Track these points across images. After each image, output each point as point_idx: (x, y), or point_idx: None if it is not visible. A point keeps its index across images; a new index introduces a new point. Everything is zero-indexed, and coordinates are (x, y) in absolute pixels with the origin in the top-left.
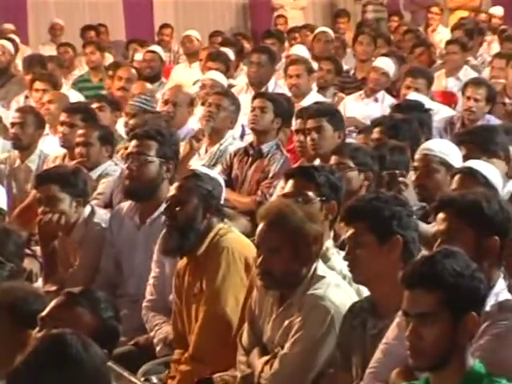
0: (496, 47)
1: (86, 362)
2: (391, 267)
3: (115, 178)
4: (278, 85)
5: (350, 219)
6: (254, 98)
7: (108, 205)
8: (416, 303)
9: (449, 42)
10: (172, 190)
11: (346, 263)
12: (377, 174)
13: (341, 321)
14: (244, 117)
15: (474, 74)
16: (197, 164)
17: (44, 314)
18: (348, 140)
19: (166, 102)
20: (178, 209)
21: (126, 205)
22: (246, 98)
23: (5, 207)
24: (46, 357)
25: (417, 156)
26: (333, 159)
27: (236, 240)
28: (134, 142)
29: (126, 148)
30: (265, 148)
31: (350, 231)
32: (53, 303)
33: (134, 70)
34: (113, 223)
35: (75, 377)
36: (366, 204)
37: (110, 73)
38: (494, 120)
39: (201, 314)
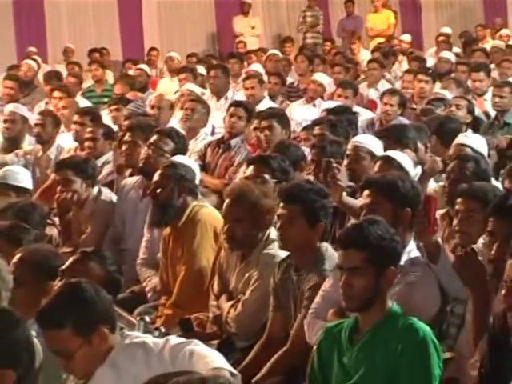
0: (405, 65)
1: (98, 303)
2: (311, 243)
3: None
4: (235, 93)
5: (287, 200)
6: (231, 105)
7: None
8: (348, 260)
9: (370, 61)
10: (155, 176)
11: (277, 234)
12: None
13: (272, 274)
14: (211, 119)
15: (389, 86)
16: None
17: (64, 267)
18: None
19: (152, 107)
20: (159, 191)
21: (132, 180)
22: (211, 104)
23: (31, 187)
24: (67, 298)
25: (349, 147)
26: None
27: (208, 214)
28: (155, 137)
29: (124, 141)
30: (232, 142)
31: (285, 210)
32: (70, 259)
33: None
34: (121, 192)
35: (89, 314)
36: (303, 193)
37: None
38: (404, 121)
39: (182, 272)
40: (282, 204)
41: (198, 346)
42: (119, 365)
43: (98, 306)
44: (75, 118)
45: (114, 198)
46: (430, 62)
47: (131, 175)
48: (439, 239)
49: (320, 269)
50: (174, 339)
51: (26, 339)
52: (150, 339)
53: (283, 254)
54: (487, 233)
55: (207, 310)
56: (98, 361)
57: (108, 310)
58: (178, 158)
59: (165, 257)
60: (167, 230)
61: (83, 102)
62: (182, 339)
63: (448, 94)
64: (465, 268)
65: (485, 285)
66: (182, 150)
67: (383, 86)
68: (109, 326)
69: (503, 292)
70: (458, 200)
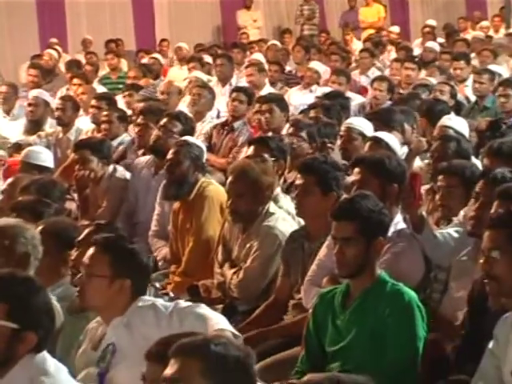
0: (393, 54)
1: (140, 263)
2: (324, 211)
3: (126, 145)
4: (238, 80)
5: (304, 170)
6: (233, 91)
7: (119, 160)
8: (341, 230)
9: (361, 51)
10: (170, 153)
11: (295, 202)
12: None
13: (284, 244)
14: (217, 103)
15: (378, 73)
16: None
17: (80, 238)
18: None
19: (162, 93)
20: (175, 167)
21: (144, 159)
22: (217, 90)
23: (52, 166)
24: (124, 239)
25: (342, 128)
26: (291, 130)
27: (215, 190)
28: (165, 119)
29: (137, 124)
30: (236, 125)
31: (301, 180)
32: (86, 231)
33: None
34: (134, 170)
35: (126, 263)
36: (318, 164)
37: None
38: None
39: (190, 242)
40: (299, 175)
41: (204, 309)
42: (132, 325)
43: (141, 266)
44: (93, 102)
45: (128, 175)
46: (417, 52)
47: (144, 155)
48: (424, 212)
49: None
50: (183, 303)
51: (46, 304)
52: (160, 302)
53: (281, 225)
54: (474, 194)
55: (213, 278)
56: (104, 304)
57: (144, 276)
58: (190, 138)
59: (175, 228)
60: (177, 204)
61: (100, 89)
62: (190, 303)
63: (432, 81)
64: None
65: None
66: (190, 131)
67: (374, 73)
68: (134, 287)
69: (481, 261)
70: (440, 177)
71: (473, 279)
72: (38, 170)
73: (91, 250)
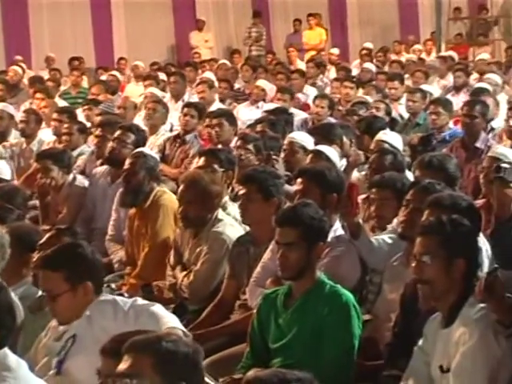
0: (334, 74)
1: (91, 262)
2: (267, 216)
3: (87, 156)
4: (190, 96)
5: (245, 181)
6: (185, 106)
7: (82, 173)
8: (284, 236)
9: (292, 72)
10: (127, 164)
11: (239, 210)
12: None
13: (231, 248)
14: (170, 118)
15: (313, 90)
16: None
17: (42, 241)
18: None
19: (119, 107)
20: (132, 177)
21: (101, 169)
22: (171, 106)
23: (8, 178)
24: (68, 250)
25: (285, 142)
26: (239, 142)
27: (169, 199)
28: (119, 131)
29: (96, 136)
30: (187, 138)
31: (244, 189)
32: (47, 235)
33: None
34: (92, 180)
35: (82, 268)
36: (257, 173)
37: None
38: (333, 120)
39: (146, 248)
40: (241, 186)
41: (158, 308)
42: (92, 318)
43: (91, 264)
44: (54, 115)
45: (87, 183)
46: (355, 72)
47: (102, 164)
48: (360, 220)
49: None
50: (140, 300)
51: (8, 303)
52: (119, 298)
53: (229, 231)
54: (404, 201)
55: (165, 280)
56: (77, 312)
57: (98, 271)
58: (145, 150)
59: (130, 233)
60: (133, 211)
61: (60, 103)
62: (147, 301)
63: (369, 99)
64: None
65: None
66: (142, 141)
67: (308, 90)
68: (95, 285)
69: (413, 265)
70: (373, 190)
71: (404, 282)
72: None
73: (42, 274)
